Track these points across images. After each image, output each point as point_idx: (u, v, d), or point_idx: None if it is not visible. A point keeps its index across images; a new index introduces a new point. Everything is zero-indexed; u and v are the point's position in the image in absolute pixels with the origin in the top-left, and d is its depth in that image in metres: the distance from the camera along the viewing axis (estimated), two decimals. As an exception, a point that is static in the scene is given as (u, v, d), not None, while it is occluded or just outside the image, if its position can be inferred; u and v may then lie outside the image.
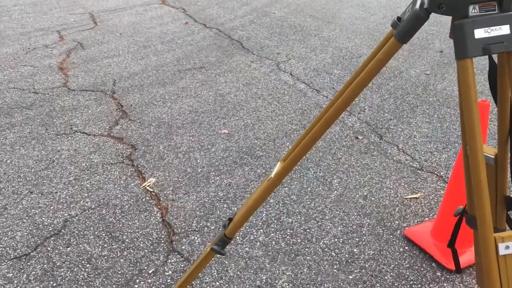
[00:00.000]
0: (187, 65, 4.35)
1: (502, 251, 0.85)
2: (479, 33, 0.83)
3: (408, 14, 0.92)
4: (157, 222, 2.33)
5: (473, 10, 0.84)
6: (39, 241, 2.21)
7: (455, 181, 1.99)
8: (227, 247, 2.14)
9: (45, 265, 2.07)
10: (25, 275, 2.02)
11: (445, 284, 1.94)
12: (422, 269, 2.02)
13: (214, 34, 5.23)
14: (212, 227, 2.29)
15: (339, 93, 1.11)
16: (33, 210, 2.43)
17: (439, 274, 2.00)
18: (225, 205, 2.44)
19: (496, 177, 1.21)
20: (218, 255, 2.09)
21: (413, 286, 1.94)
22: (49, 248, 2.17)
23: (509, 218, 1.28)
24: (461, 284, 1.94)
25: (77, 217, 2.37)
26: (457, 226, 1.44)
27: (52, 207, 2.45)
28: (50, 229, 2.30)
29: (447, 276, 1.98)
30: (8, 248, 2.18)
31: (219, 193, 2.54)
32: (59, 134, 3.17)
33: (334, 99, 1.13)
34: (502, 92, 1.02)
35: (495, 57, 0.98)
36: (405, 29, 0.92)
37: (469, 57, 0.83)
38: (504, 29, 0.83)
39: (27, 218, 2.37)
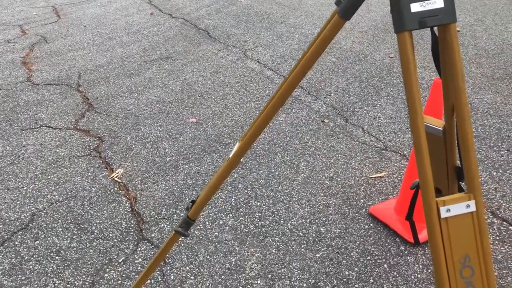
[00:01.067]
0: (153, 56, 4.32)
1: (443, 214, 0.89)
2: (415, 7, 0.86)
3: (350, -9, 0.95)
4: (126, 212, 2.33)
5: None
6: (6, 236, 2.19)
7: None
8: (196, 232, 2.17)
9: (13, 259, 2.05)
10: (-8, 271, 2.00)
11: (408, 258, 2.01)
12: (386, 244, 2.09)
13: (180, 24, 5.20)
14: (182, 214, 2.30)
15: (291, 71, 1.14)
16: (-2, 206, 2.40)
17: (402, 248, 2.07)
18: (194, 192, 2.46)
19: (446, 149, 1.26)
20: (188, 240, 2.11)
21: (378, 261, 2.00)
22: (16, 243, 2.15)
23: (461, 188, 1.34)
24: (423, 257, 2.02)
25: (44, 211, 2.35)
26: (414, 199, 1.50)
27: (18, 202, 2.42)
28: (17, 223, 2.27)
29: (410, 250, 2.05)
30: (-26, 245, 2.15)
31: (188, 180, 2.56)
32: (24, 129, 3.12)
33: (286, 77, 1.16)
34: (444, 65, 1.07)
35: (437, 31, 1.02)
36: (347, 6, 0.95)
37: (406, 30, 0.87)
38: (438, 3, 0.87)
39: (-8, 214, 2.34)
